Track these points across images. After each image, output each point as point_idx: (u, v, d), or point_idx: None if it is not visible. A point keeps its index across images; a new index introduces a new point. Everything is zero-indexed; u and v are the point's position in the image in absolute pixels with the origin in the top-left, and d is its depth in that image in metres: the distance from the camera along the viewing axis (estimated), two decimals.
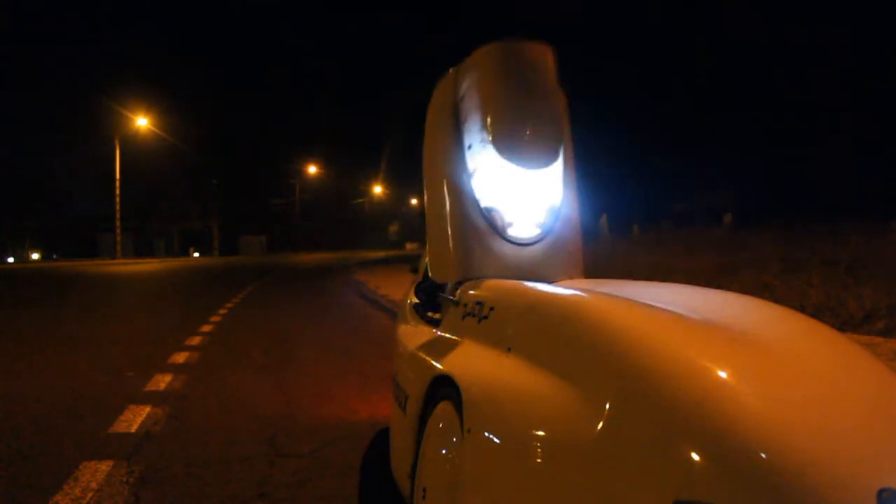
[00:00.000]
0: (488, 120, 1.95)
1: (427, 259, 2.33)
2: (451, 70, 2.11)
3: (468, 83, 2.03)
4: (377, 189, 68.24)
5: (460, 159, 2.03)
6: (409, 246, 58.83)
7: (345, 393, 4.09)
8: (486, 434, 1.35)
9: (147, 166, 46.70)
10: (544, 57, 2.05)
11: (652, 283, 1.80)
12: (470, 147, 2.01)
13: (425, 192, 2.20)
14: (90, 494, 2.40)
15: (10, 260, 45.83)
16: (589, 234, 2.29)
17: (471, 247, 2.00)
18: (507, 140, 1.94)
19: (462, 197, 2.01)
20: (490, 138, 1.94)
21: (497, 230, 1.99)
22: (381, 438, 3.02)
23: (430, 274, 2.27)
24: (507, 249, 2.01)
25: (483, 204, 2.01)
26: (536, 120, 2.01)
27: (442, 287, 2.17)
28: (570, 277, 2.07)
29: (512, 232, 2.01)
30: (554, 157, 2.03)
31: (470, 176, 2.02)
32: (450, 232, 2.05)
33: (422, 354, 2.02)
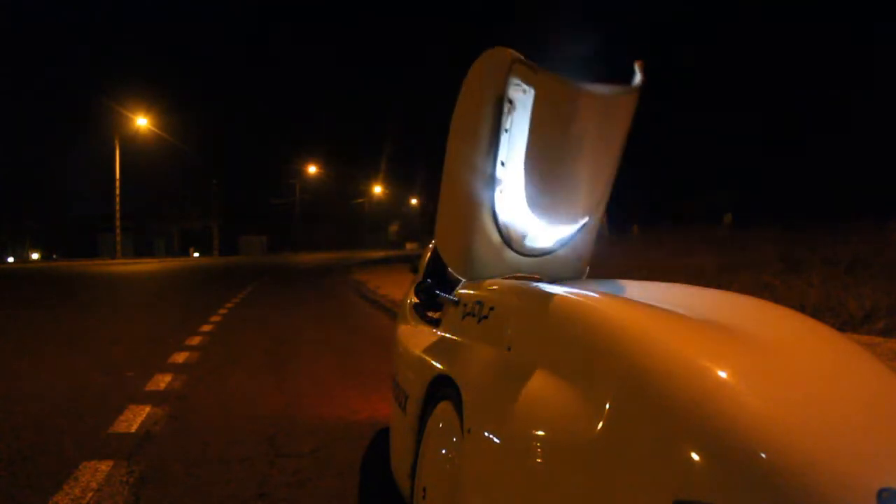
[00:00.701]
0: (527, 164, 1.71)
1: (436, 242, 2.21)
2: (507, 54, 1.66)
3: (523, 96, 1.67)
4: (377, 189, 68.25)
5: (490, 171, 1.80)
6: (409, 246, 58.86)
7: (345, 393, 4.09)
8: (486, 434, 1.35)
9: (147, 166, 46.81)
10: (626, 108, 1.71)
11: (652, 283, 1.80)
12: (503, 164, 1.79)
13: (444, 180, 1.98)
14: (90, 494, 2.40)
15: (10, 260, 45.82)
16: None
17: (480, 256, 1.94)
18: (539, 199, 1.75)
19: (481, 210, 1.85)
20: (523, 185, 1.73)
21: (512, 246, 1.91)
22: (381, 438, 3.02)
23: (438, 250, 2.18)
24: (518, 258, 1.95)
25: (502, 218, 1.86)
26: (582, 185, 1.75)
27: (442, 287, 2.17)
28: (573, 278, 2.07)
29: (528, 243, 1.92)
30: (585, 217, 1.85)
31: (495, 188, 1.82)
32: (461, 237, 1.98)
33: (422, 354, 2.02)
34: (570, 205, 1.82)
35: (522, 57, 1.63)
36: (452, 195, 1.98)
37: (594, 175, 1.78)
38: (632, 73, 1.78)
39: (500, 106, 1.72)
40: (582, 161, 1.73)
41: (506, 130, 1.75)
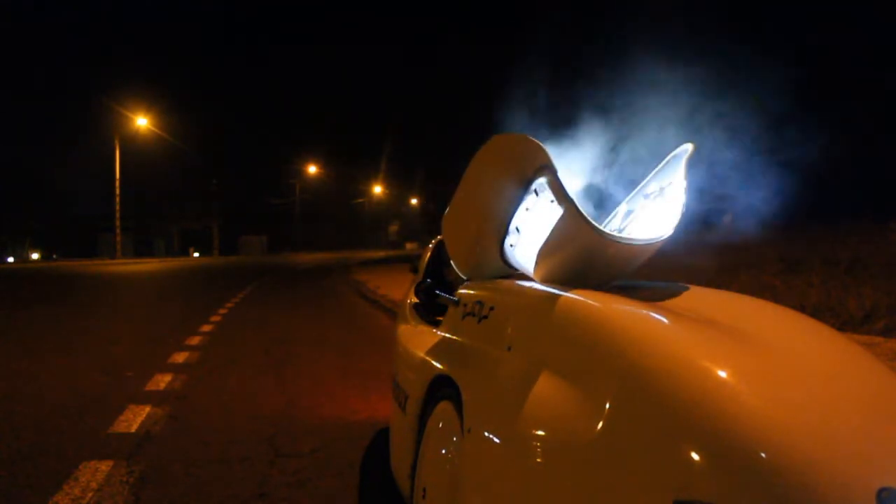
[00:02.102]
0: (541, 255, 1.68)
1: (443, 234, 2.20)
2: (540, 156, 1.64)
3: (550, 203, 1.64)
4: (377, 189, 68.26)
5: (503, 231, 1.82)
6: (409, 246, 58.90)
7: (345, 393, 4.09)
8: (486, 434, 1.35)
9: (147, 166, 46.75)
10: (654, 247, 1.69)
11: (652, 283, 1.80)
12: (518, 231, 1.79)
13: (458, 196, 1.93)
14: (90, 494, 2.40)
15: (10, 260, 45.82)
16: None
17: (482, 263, 1.96)
18: (550, 278, 1.71)
19: (488, 246, 1.86)
20: (534, 261, 1.72)
21: (512, 267, 1.91)
22: (381, 438, 3.02)
23: (445, 242, 2.18)
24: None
25: (509, 259, 1.85)
26: (597, 279, 1.71)
27: (440, 287, 2.17)
28: None
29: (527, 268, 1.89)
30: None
31: (506, 241, 1.83)
32: (465, 245, 1.99)
33: (422, 354, 2.02)
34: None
35: (554, 166, 1.59)
36: (463, 213, 1.96)
37: (616, 276, 1.77)
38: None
39: (525, 187, 1.71)
40: (602, 272, 1.71)
41: (527, 209, 1.74)
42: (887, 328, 4.85)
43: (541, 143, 1.64)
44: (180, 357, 5.27)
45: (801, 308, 5.22)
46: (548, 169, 1.60)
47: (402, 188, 69.43)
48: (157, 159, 46.71)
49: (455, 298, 2.01)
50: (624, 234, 1.76)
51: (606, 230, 1.61)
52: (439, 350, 1.95)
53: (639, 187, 1.91)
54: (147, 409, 3.61)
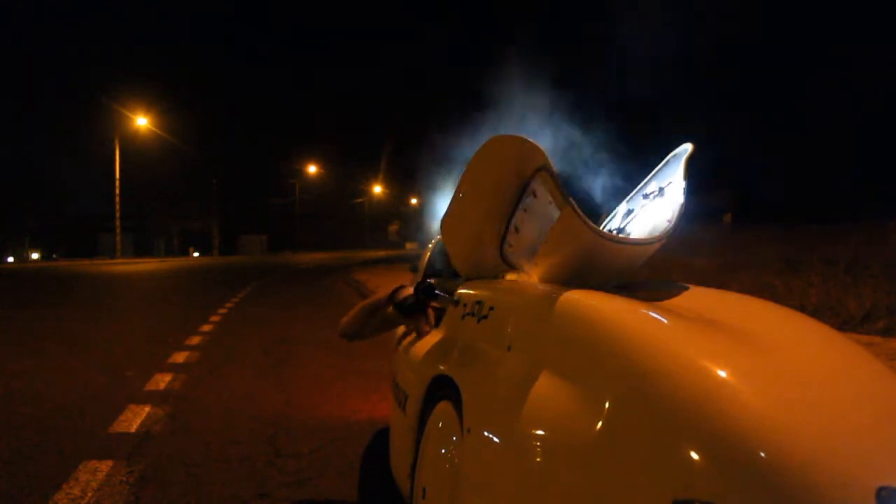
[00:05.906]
0: (540, 255, 1.70)
1: (441, 234, 2.20)
2: (539, 157, 1.63)
3: (550, 205, 1.65)
4: (377, 189, 68.20)
5: (503, 230, 1.83)
6: (409, 246, 58.81)
7: (345, 393, 4.09)
8: (486, 434, 1.35)
9: (147, 166, 46.77)
10: (653, 247, 1.69)
11: (652, 283, 1.80)
12: (517, 230, 1.80)
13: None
14: (90, 494, 2.40)
15: (10, 260, 45.82)
16: None
17: (480, 262, 1.98)
18: (549, 278, 1.73)
19: (487, 247, 1.88)
20: (533, 261, 1.74)
21: (512, 267, 1.91)
22: (381, 438, 3.02)
23: (444, 242, 2.18)
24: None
25: (508, 260, 1.87)
26: (598, 278, 1.74)
27: (442, 287, 2.17)
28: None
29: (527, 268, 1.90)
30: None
31: (505, 242, 1.84)
32: (464, 246, 2.00)
33: (421, 354, 2.02)
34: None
35: (552, 167, 1.59)
36: (463, 214, 1.94)
37: (616, 276, 1.77)
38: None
39: (523, 188, 1.72)
40: (602, 272, 1.72)
41: (525, 210, 1.75)
42: (887, 328, 4.85)
43: (538, 144, 1.64)
44: (180, 357, 5.27)
45: (801, 308, 5.22)
46: (545, 170, 1.61)
47: (402, 188, 69.33)
48: (157, 159, 46.78)
49: (455, 298, 2.01)
50: (624, 235, 1.76)
51: (606, 230, 1.62)
52: (439, 350, 1.95)
53: (639, 187, 1.91)
54: (147, 408, 3.61)
